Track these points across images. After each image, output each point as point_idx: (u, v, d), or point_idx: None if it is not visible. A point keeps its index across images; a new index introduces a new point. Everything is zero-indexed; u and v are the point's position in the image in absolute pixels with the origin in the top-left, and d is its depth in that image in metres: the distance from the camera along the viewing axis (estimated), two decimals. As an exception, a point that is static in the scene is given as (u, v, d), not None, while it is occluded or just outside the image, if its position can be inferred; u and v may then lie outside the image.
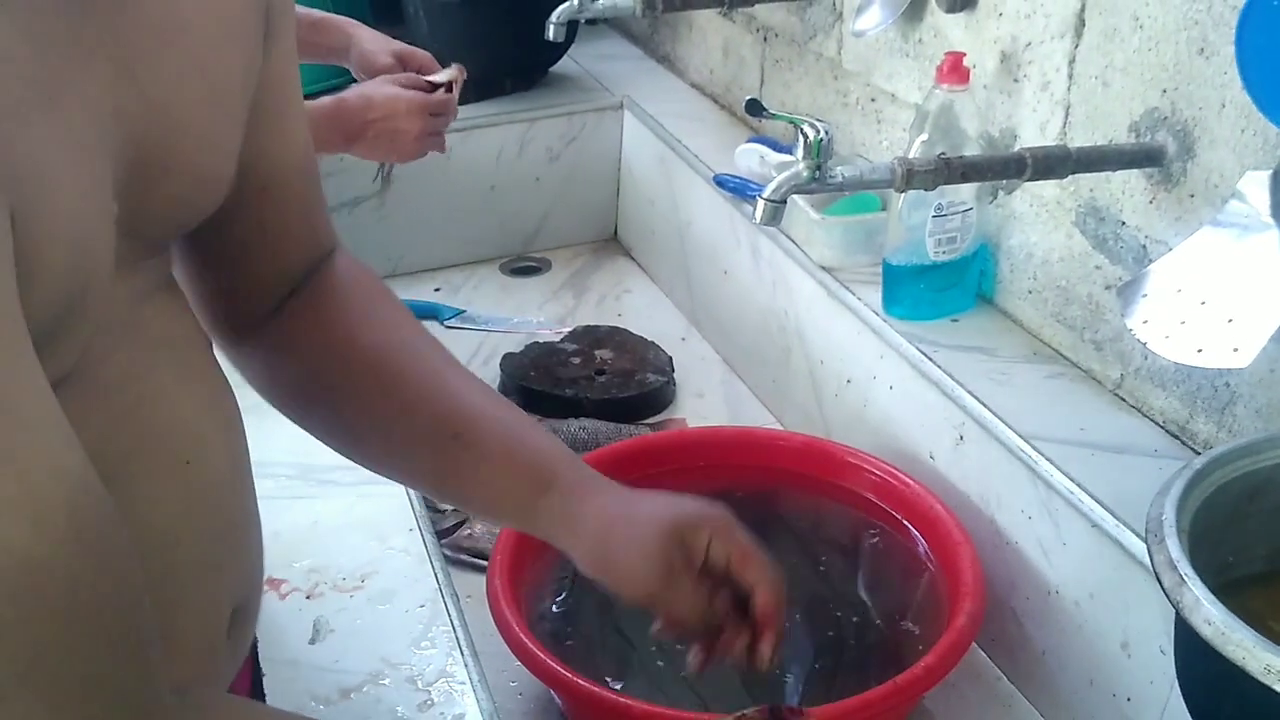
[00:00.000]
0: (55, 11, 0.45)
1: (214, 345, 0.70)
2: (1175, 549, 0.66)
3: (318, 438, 0.71)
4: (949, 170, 0.87)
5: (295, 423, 0.72)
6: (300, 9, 1.35)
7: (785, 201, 0.85)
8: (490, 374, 1.39)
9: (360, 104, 1.21)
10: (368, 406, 0.69)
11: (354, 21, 1.32)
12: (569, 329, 1.46)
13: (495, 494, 0.71)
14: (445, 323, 1.52)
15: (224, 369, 0.63)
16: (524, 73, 1.70)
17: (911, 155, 1.05)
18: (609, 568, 0.69)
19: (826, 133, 0.84)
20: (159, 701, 0.45)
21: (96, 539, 0.42)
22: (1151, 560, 0.67)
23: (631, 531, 0.69)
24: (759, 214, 0.85)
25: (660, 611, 0.70)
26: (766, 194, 0.84)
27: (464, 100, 1.65)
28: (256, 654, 0.78)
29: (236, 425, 0.62)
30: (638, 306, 1.58)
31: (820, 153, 0.84)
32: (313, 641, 0.80)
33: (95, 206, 0.45)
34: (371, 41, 1.29)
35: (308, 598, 0.83)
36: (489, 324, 1.52)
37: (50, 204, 0.42)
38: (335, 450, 0.72)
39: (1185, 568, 0.64)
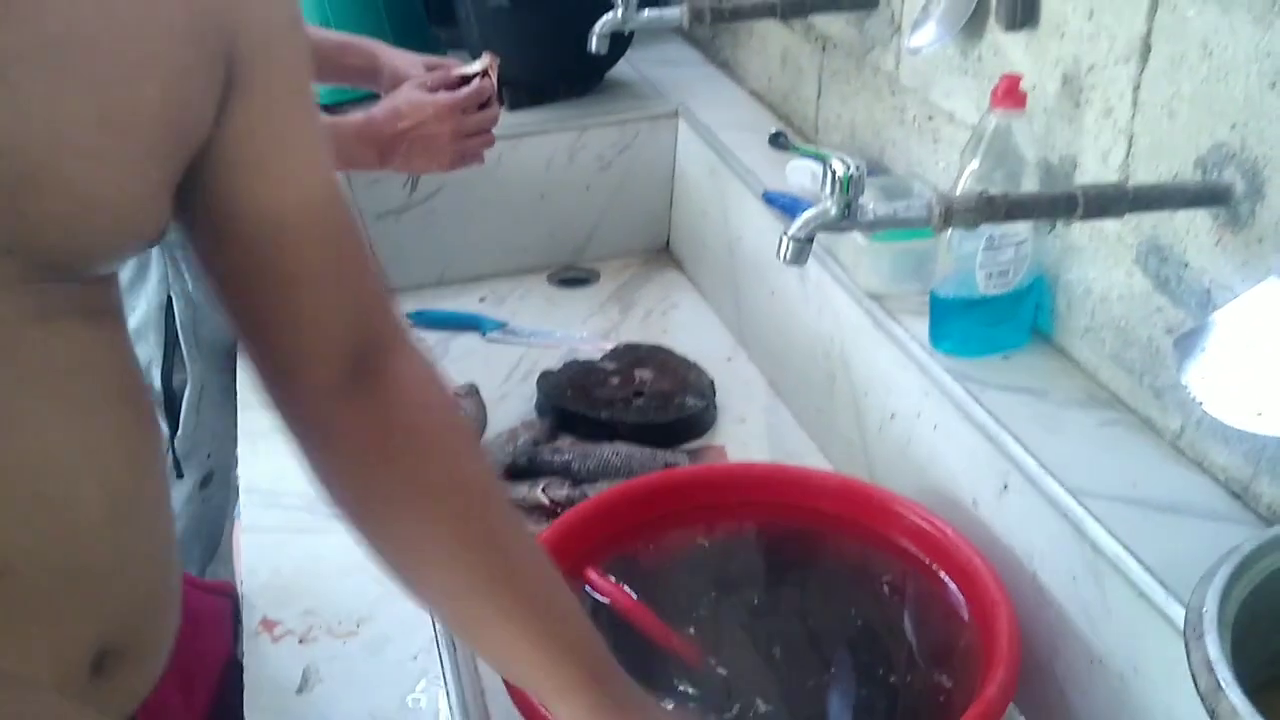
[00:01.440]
0: None
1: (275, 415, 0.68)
2: (1214, 649, 0.60)
3: (364, 543, 0.70)
4: (991, 208, 0.81)
5: (342, 519, 0.70)
6: (325, 32, 1.33)
7: (812, 240, 0.80)
8: (528, 391, 1.36)
9: (388, 116, 1.17)
10: (414, 546, 0.68)
11: (380, 43, 1.29)
12: (611, 345, 1.42)
13: (531, 675, 0.70)
14: (486, 335, 1.48)
15: (155, 420, 0.61)
16: (578, 78, 1.66)
17: (961, 185, 0.99)
18: None
19: (857, 169, 0.78)
20: None
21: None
22: (1189, 658, 0.61)
23: None
24: (783, 253, 0.80)
25: None
26: (791, 232, 0.79)
27: (516, 106, 1.62)
28: (241, 701, 0.75)
29: (130, 471, 0.60)
30: (685, 322, 1.53)
31: (850, 189, 0.78)
32: (300, 691, 0.77)
33: None
34: (401, 59, 1.26)
35: (300, 642, 0.80)
36: (531, 337, 1.48)
37: None
38: (377, 558, 0.70)
39: (1223, 671, 0.58)
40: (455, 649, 0.81)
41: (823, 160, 0.77)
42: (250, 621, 0.82)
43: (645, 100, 1.66)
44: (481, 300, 1.58)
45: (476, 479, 0.70)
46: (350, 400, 0.66)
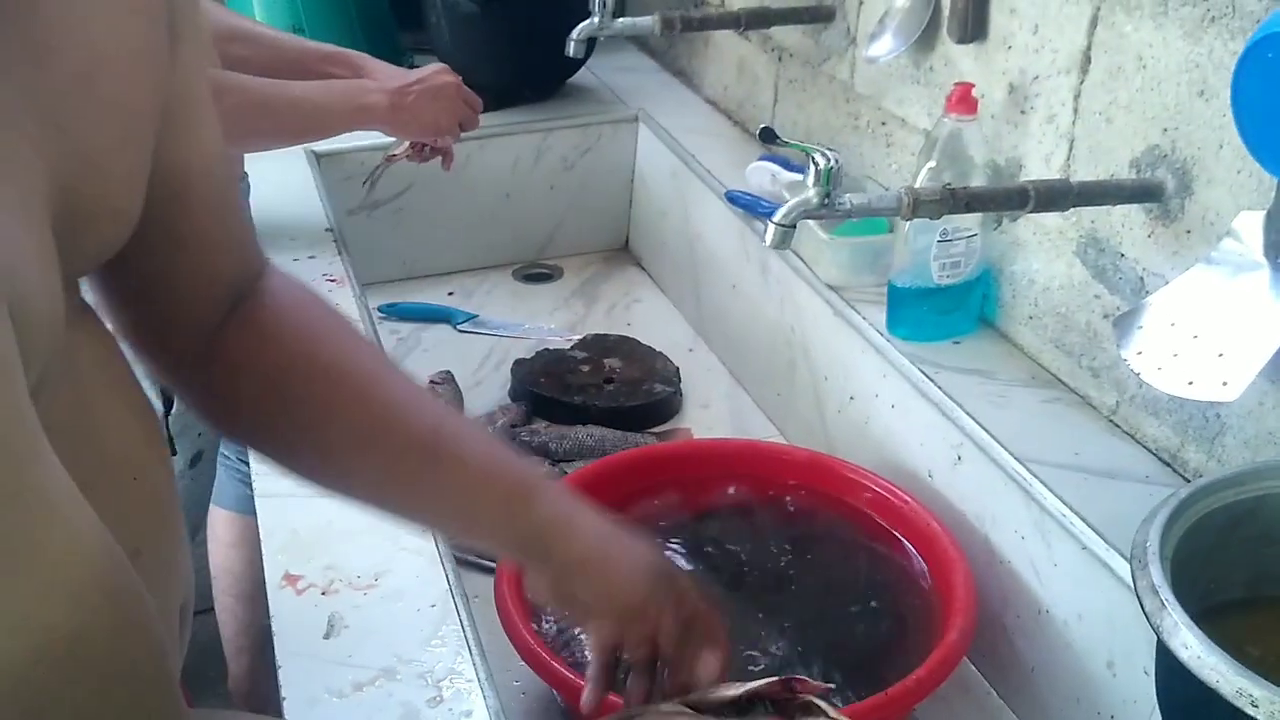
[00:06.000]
0: None
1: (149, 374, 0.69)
2: (1158, 575, 0.69)
3: (274, 460, 0.71)
4: (954, 200, 0.90)
5: (251, 447, 0.73)
6: (309, 43, 1.39)
7: (795, 226, 0.88)
8: (501, 379, 1.42)
9: (400, 70, 1.30)
10: (335, 422, 0.69)
11: (365, 55, 1.35)
12: (579, 336, 1.50)
13: (476, 504, 0.71)
14: (458, 326, 1.55)
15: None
16: (542, 83, 1.73)
17: (919, 182, 1.08)
18: (606, 570, 0.71)
19: (836, 161, 0.87)
20: None
21: (126, 602, 0.44)
22: (1135, 584, 0.70)
23: (633, 546, 0.73)
24: (769, 238, 0.88)
25: (628, 630, 0.73)
26: (777, 218, 0.88)
27: (483, 109, 1.68)
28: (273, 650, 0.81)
29: (161, 432, 0.63)
30: (647, 316, 1.61)
31: (830, 180, 0.87)
32: (327, 636, 0.83)
33: (52, 273, 0.45)
34: (385, 70, 1.32)
35: (323, 594, 0.86)
36: (501, 329, 1.55)
37: (29, 288, 0.42)
38: (294, 474, 0.72)
39: (1166, 593, 0.67)
40: (468, 599, 0.87)
41: (808, 153, 0.86)
42: (273, 577, 0.88)
43: (607, 105, 1.74)
44: (450, 294, 1.64)
45: (372, 355, 0.74)
46: (234, 324, 0.68)
